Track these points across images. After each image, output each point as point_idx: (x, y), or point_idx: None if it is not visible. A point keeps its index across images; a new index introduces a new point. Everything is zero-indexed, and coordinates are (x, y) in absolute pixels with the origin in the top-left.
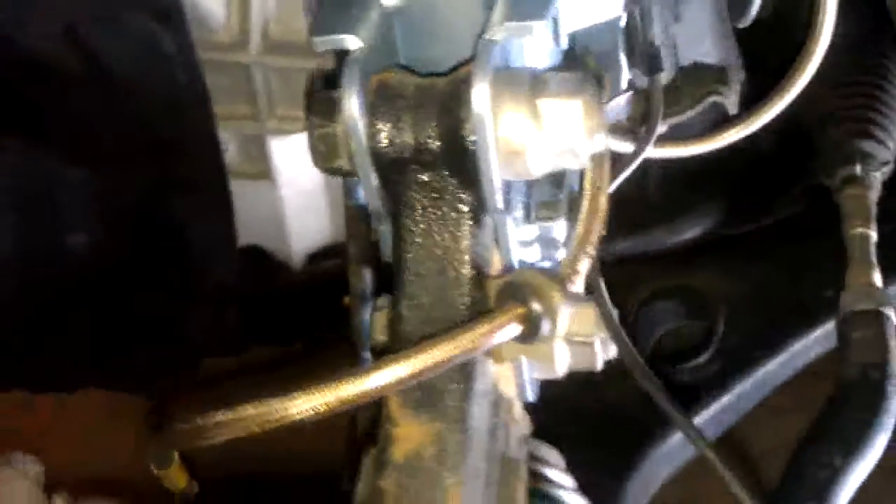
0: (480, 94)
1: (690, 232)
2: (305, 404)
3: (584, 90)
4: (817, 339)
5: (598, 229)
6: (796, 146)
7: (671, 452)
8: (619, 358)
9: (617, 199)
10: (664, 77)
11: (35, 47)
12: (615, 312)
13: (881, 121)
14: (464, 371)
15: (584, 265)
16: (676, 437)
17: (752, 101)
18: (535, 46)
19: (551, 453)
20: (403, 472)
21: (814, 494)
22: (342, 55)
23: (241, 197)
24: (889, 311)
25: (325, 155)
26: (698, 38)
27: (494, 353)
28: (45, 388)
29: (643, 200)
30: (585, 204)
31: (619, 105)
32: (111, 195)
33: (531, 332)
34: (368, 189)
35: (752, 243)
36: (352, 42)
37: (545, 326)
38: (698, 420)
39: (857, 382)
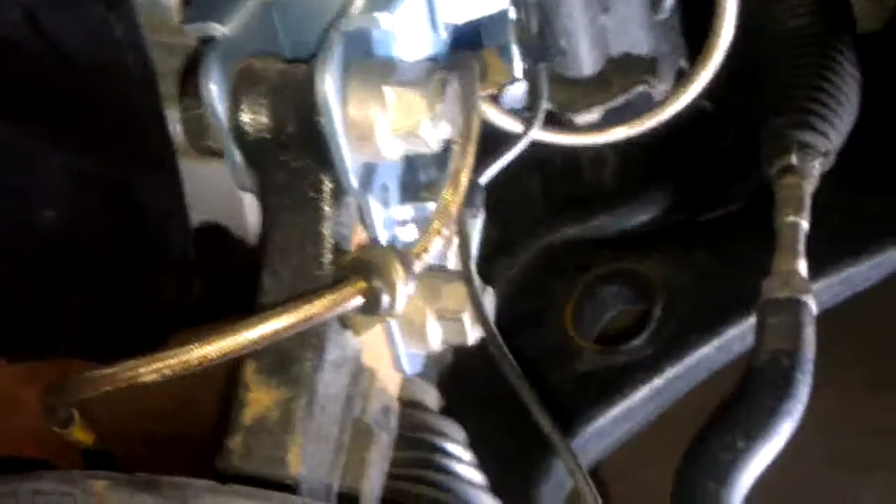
0: (325, 81)
1: (639, 219)
2: (153, 368)
3: (429, 79)
4: (752, 327)
5: (454, 210)
6: (751, 138)
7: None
8: None
9: (573, 185)
10: (590, 67)
11: None
12: (490, 299)
13: (822, 111)
14: (317, 341)
15: (436, 244)
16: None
17: None
18: (411, 35)
19: (451, 427)
20: (250, 434)
21: (714, 476)
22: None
23: (194, 176)
24: (808, 300)
25: (194, 134)
26: (627, 29)
27: (352, 326)
28: (11, 353)
29: (598, 187)
30: (446, 185)
31: (515, 92)
32: (76, 172)
33: (372, 306)
34: (234, 168)
35: (699, 233)
36: (217, 29)
37: (385, 301)
38: (631, 401)
39: (767, 368)
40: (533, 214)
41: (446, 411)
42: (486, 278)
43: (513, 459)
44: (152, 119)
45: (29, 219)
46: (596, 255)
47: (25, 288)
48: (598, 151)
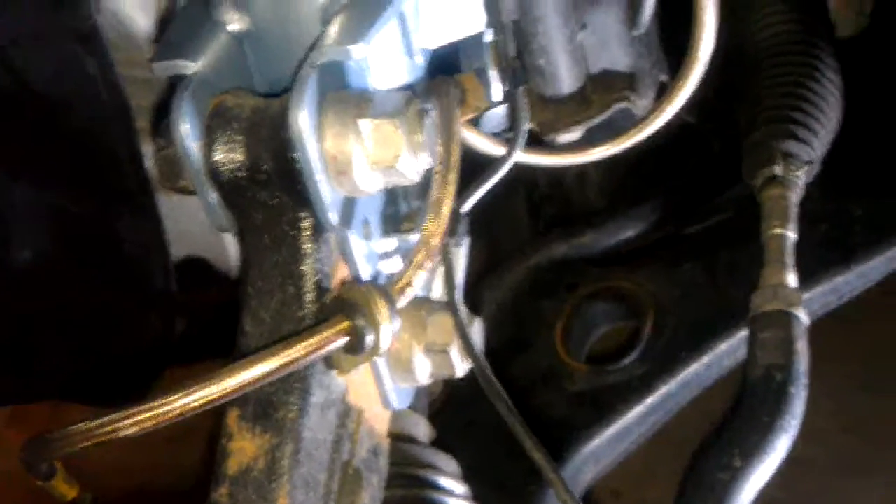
0: (299, 117)
1: (626, 235)
2: (134, 421)
3: (406, 110)
4: (742, 341)
5: (437, 242)
6: (736, 150)
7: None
8: None
9: (559, 205)
10: (570, 85)
11: None
12: (478, 328)
13: (805, 120)
14: (301, 384)
15: (420, 277)
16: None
17: None
18: (386, 64)
19: (443, 460)
20: (235, 485)
21: (713, 496)
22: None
23: (176, 210)
24: (799, 312)
25: (168, 175)
26: (606, 46)
27: (337, 365)
28: None
29: (584, 205)
30: (428, 216)
31: (496, 115)
32: (52, 210)
33: (356, 345)
34: (210, 207)
35: (686, 246)
36: (188, 67)
37: (369, 340)
38: (625, 420)
39: (761, 384)
40: (520, 236)
41: (439, 442)
42: (475, 302)
43: (508, 486)
44: (128, 154)
45: (6, 256)
46: (584, 273)
47: (1, 326)
48: (581, 170)
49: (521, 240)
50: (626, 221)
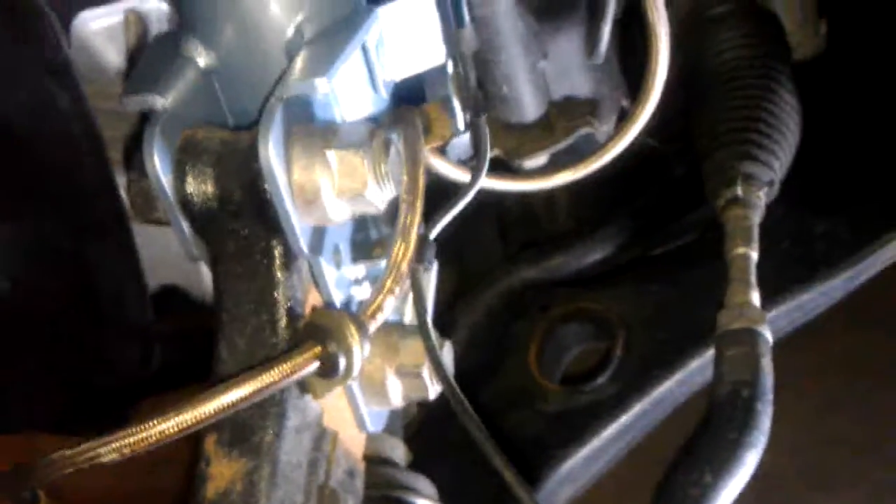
0: (267, 149)
1: (595, 257)
2: (113, 447)
3: (371, 141)
4: (711, 359)
5: (405, 267)
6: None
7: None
8: None
9: (528, 229)
10: (533, 112)
11: None
12: (449, 351)
13: (764, 142)
14: (276, 408)
15: (389, 303)
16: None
17: None
18: (352, 96)
19: (420, 482)
20: None
21: None
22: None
23: (151, 239)
24: (764, 330)
25: (141, 207)
26: (567, 73)
27: (311, 390)
28: None
29: (553, 229)
30: (396, 242)
31: (463, 143)
32: (28, 242)
33: (329, 370)
34: (183, 239)
35: (653, 267)
36: (157, 101)
37: (342, 364)
38: (599, 439)
39: (728, 401)
40: (491, 260)
41: (416, 463)
42: (448, 326)
43: None
44: (102, 186)
45: None
46: (555, 295)
47: None
48: (550, 194)
49: (491, 264)
50: (595, 244)
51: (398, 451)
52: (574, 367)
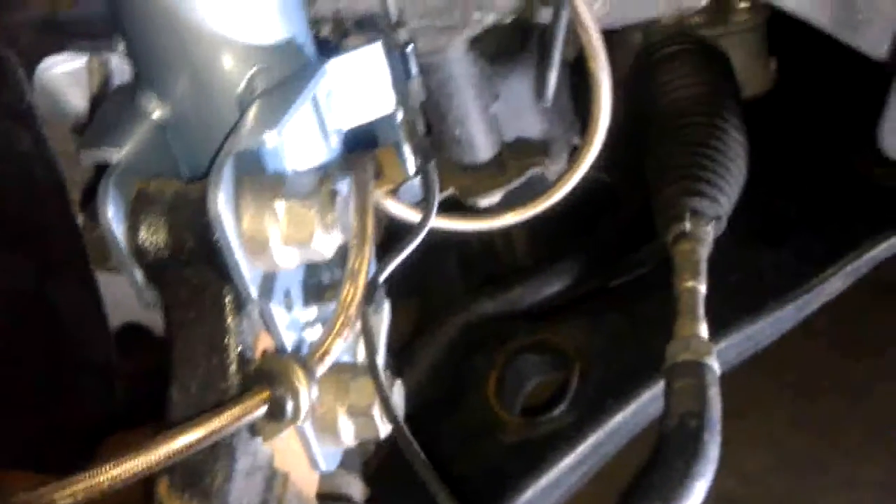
0: (216, 200)
1: (552, 290)
2: (66, 493)
3: (319, 190)
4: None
5: (354, 311)
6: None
7: None
8: None
9: (489, 263)
10: (486, 153)
11: None
12: (399, 391)
13: (711, 178)
14: (226, 451)
15: (337, 346)
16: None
17: None
18: (302, 146)
19: None
20: None
21: None
22: None
23: (112, 279)
24: (711, 362)
25: (96, 256)
26: (518, 115)
27: (261, 433)
28: None
29: (512, 263)
30: (344, 286)
31: (415, 186)
32: None
33: (277, 413)
34: (136, 287)
35: (608, 299)
36: (113, 154)
37: (289, 407)
38: (557, 469)
39: (676, 432)
40: (453, 293)
41: (377, 499)
42: (409, 360)
43: None
44: (63, 227)
45: None
46: (513, 328)
47: None
48: (507, 230)
49: (453, 297)
50: (551, 277)
51: (354, 488)
52: (532, 399)
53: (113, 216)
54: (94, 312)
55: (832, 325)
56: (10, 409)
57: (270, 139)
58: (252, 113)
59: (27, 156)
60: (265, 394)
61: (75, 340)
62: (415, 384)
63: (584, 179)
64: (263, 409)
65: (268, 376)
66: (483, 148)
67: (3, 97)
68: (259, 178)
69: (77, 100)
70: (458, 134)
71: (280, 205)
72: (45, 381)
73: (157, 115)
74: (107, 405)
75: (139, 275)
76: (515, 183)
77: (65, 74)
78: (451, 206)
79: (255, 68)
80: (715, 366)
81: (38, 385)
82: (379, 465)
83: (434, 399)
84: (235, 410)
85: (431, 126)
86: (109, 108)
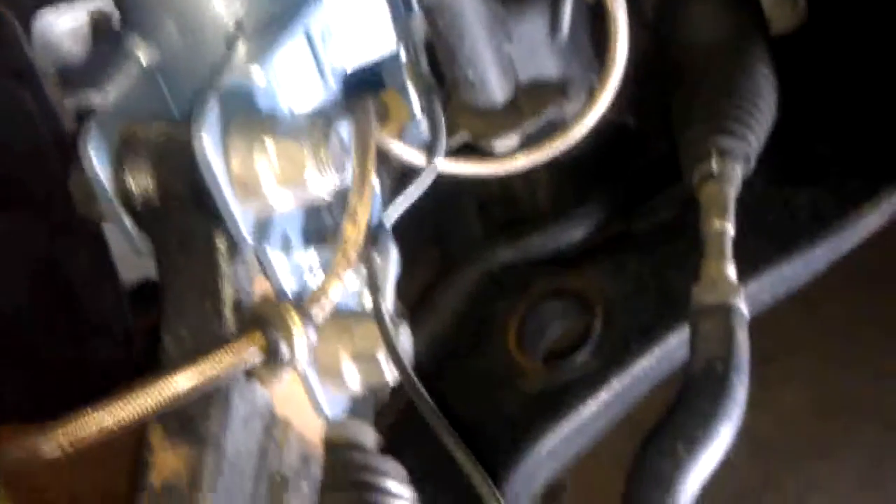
0: (201, 140)
1: (574, 235)
2: (53, 440)
3: (311, 129)
4: None
5: (354, 253)
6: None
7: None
8: None
9: (509, 208)
10: (500, 95)
11: None
12: (406, 336)
13: (739, 115)
14: (222, 398)
15: (336, 288)
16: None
17: None
18: (297, 86)
19: (389, 465)
20: (159, 498)
21: (658, 484)
22: None
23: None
24: (739, 304)
25: (82, 201)
26: (533, 56)
27: (259, 378)
28: None
29: (533, 208)
30: (344, 227)
31: (418, 128)
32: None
33: (272, 358)
34: (125, 232)
35: (633, 243)
36: (96, 97)
37: (284, 352)
38: (580, 416)
39: (703, 376)
40: (472, 242)
41: (390, 448)
42: (429, 308)
43: (457, 489)
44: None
45: None
46: (535, 274)
47: None
48: (530, 174)
49: (472, 244)
50: (573, 222)
51: (367, 436)
52: (556, 345)
53: (96, 161)
54: (105, 270)
55: (869, 262)
56: (17, 366)
57: (257, 74)
58: (240, 50)
59: (30, 114)
60: (259, 338)
61: (87, 299)
62: (436, 333)
63: (609, 123)
64: (258, 354)
65: (262, 320)
66: (497, 89)
67: (2, 57)
68: (250, 118)
69: (76, 49)
70: (471, 76)
71: (269, 143)
72: (55, 338)
73: (144, 58)
74: (123, 361)
75: (128, 221)
76: (532, 125)
77: (64, 27)
78: (465, 152)
79: (244, 6)
80: (743, 308)
81: (47, 342)
82: (397, 414)
83: (454, 348)
84: (228, 354)
85: (443, 68)
86: (95, 53)
